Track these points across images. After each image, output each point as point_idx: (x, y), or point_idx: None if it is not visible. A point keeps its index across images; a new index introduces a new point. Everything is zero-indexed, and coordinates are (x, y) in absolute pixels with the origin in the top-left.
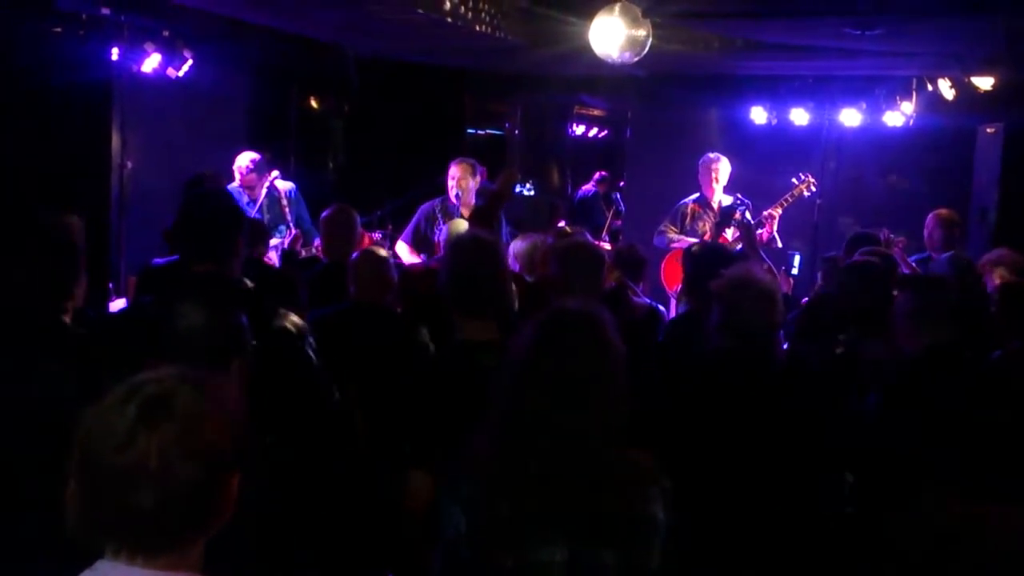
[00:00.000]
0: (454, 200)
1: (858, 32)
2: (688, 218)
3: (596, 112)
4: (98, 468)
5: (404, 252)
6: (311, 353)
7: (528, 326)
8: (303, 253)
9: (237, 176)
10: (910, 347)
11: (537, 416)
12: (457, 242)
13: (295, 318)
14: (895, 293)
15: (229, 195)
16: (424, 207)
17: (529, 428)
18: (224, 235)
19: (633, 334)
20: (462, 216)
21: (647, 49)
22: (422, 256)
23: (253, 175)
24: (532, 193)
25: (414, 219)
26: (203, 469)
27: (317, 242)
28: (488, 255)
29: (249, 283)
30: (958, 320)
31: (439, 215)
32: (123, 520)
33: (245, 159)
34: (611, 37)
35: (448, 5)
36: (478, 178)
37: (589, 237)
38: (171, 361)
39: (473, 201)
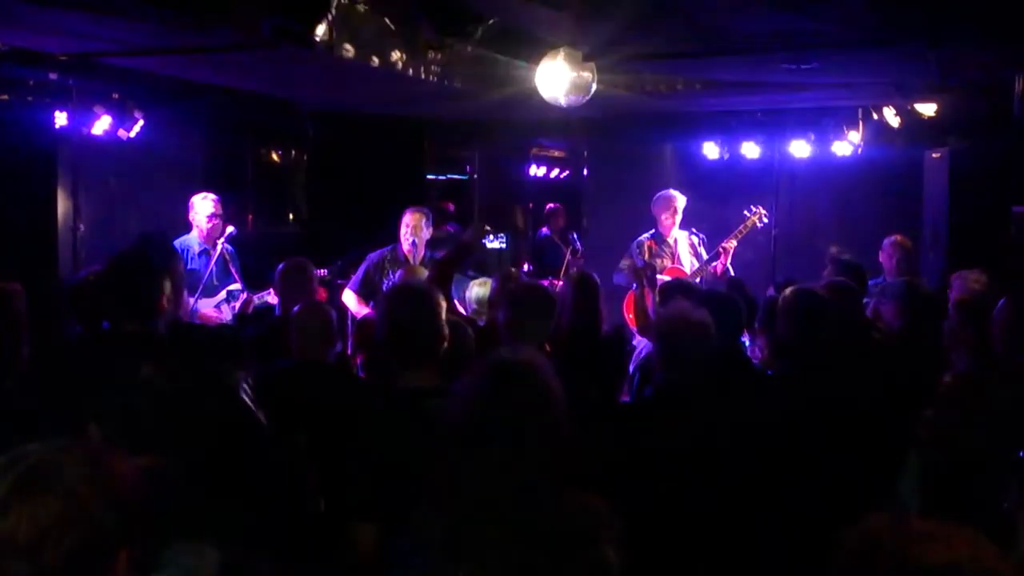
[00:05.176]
0: (408, 248)
1: (794, 66)
2: (646, 255)
3: (555, 153)
4: None
5: (351, 301)
6: (248, 402)
7: (468, 377)
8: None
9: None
10: None
11: (486, 466)
12: (392, 292)
13: (230, 372)
14: None
15: (150, 255)
16: (372, 256)
17: (479, 479)
18: (146, 294)
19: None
20: (411, 264)
21: (592, 92)
22: (370, 304)
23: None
24: (503, 246)
25: (362, 268)
26: (82, 542)
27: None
28: (423, 303)
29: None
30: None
31: (388, 264)
32: None
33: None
34: (557, 81)
35: (395, 55)
36: (430, 228)
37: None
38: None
39: (424, 251)
